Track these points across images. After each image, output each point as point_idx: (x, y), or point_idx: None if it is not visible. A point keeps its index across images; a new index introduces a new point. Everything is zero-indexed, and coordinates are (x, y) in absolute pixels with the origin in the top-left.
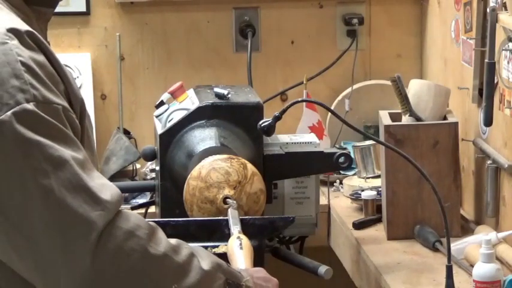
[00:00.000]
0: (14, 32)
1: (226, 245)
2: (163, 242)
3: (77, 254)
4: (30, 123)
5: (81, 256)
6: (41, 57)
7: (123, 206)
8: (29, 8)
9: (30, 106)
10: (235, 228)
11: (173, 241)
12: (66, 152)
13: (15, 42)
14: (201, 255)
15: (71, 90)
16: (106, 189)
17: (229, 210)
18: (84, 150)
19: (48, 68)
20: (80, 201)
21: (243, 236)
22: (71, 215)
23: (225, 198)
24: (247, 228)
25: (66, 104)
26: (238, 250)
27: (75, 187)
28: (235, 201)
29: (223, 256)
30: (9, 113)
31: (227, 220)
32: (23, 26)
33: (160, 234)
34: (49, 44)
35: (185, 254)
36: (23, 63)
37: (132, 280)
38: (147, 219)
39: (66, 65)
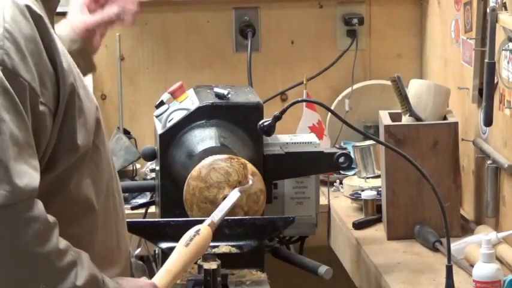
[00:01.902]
0: (12, 2)
1: (226, 245)
2: (53, 243)
3: None
4: None
5: None
6: (31, 32)
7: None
8: None
9: None
10: (210, 217)
11: (63, 244)
12: (7, 126)
13: (10, 11)
14: (83, 266)
15: (62, 74)
16: (25, 177)
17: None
18: (82, 131)
19: (35, 45)
20: None
21: (203, 231)
22: None
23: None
24: (247, 228)
25: (35, 86)
26: (182, 247)
27: None
28: (251, 180)
29: (223, 256)
30: None
31: (227, 220)
32: (24, 1)
33: (55, 233)
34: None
35: (67, 261)
36: (7, 30)
37: (2, 264)
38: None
39: None
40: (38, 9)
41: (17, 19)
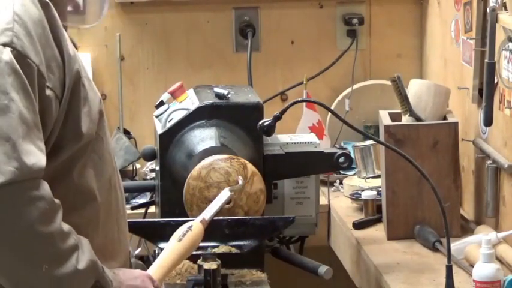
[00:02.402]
0: None
1: (226, 245)
2: (56, 224)
3: None
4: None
5: None
6: (39, 17)
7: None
8: None
9: (6, 50)
10: (202, 215)
11: (66, 227)
12: (17, 105)
13: None
14: (84, 250)
15: (68, 61)
16: (33, 156)
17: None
18: (86, 120)
19: (43, 29)
20: (0, 150)
21: (195, 228)
22: None
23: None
24: (247, 228)
25: (42, 69)
26: (175, 242)
27: (4, 137)
28: (241, 181)
29: (223, 256)
30: None
31: (227, 220)
32: None
33: (58, 215)
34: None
35: (69, 244)
36: (17, 14)
37: (6, 242)
38: (146, 219)
39: None
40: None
41: (26, 4)
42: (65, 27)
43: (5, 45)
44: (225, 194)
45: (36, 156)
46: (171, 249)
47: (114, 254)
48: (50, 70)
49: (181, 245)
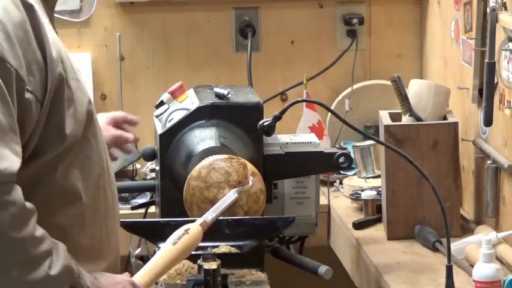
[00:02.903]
0: None
1: (226, 245)
2: (29, 229)
3: None
4: None
5: None
6: (21, 20)
7: (122, 207)
8: None
9: None
10: (203, 216)
11: (39, 232)
12: None
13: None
14: (59, 256)
15: (50, 64)
16: (6, 160)
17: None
18: (71, 122)
19: (24, 32)
20: None
21: (193, 231)
22: None
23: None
24: (247, 228)
25: (22, 73)
26: (169, 245)
27: None
28: (252, 180)
29: (223, 256)
30: None
31: (227, 220)
32: None
33: (33, 220)
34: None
35: (42, 250)
36: None
37: None
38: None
39: None
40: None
41: (7, 7)
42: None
43: None
44: (231, 196)
45: (9, 160)
46: (163, 252)
47: (102, 254)
48: (30, 73)
49: (175, 249)
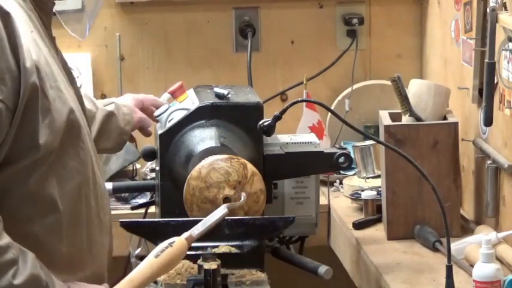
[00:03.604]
0: None
1: (226, 245)
2: None
3: None
4: None
5: None
6: None
7: (122, 207)
8: None
9: None
10: (190, 230)
11: (4, 242)
12: None
13: None
14: (26, 265)
15: (23, 72)
16: None
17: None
18: (46, 132)
19: None
20: None
21: (177, 244)
22: None
23: (225, 198)
24: (247, 228)
25: None
26: (151, 257)
27: None
28: (233, 204)
29: (223, 256)
30: None
31: (227, 220)
32: None
33: None
34: (54, 38)
35: (6, 259)
36: None
37: None
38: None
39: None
40: (24, 10)
41: None
42: (51, 35)
43: None
44: (220, 211)
45: None
46: (144, 265)
47: (82, 265)
48: (2, 82)
49: (157, 262)
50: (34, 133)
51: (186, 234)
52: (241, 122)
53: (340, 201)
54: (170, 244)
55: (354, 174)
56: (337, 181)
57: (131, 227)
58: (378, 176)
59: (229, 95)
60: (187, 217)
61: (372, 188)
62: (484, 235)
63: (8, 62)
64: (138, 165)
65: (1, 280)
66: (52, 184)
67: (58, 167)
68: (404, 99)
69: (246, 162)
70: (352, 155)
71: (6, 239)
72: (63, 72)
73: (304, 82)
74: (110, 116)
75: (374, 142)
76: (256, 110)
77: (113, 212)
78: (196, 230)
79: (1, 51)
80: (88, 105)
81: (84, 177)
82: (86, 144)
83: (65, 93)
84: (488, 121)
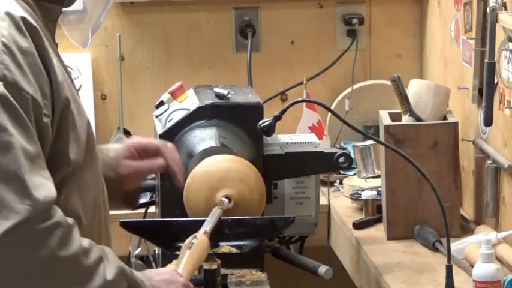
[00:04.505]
0: (8, 14)
1: (226, 245)
2: (76, 243)
3: None
4: None
5: None
6: (27, 45)
7: None
8: (37, 3)
9: None
10: (203, 228)
11: (86, 242)
12: (17, 140)
13: (5, 24)
14: (109, 260)
15: (56, 86)
16: (43, 189)
17: (214, 208)
18: (74, 146)
19: (32, 58)
20: (10, 189)
21: (201, 237)
22: None
23: (225, 198)
24: (247, 228)
25: (38, 98)
26: (187, 249)
27: (11, 175)
28: (228, 201)
29: (223, 256)
30: None
31: (227, 220)
32: (20, 12)
33: (75, 233)
34: (56, 45)
35: (94, 258)
36: (5, 44)
37: (33, 277)
38: (146, 219)
39: (68, 66)
40: (35, 20)
41: (13, 33)
42: (56, 44)
43: None
44: (216, 212)
45: (45, 187)
46: (186, 256)
47: None
48: (44, 97)
49: (193, 252)
50: (66, 148)
51: (201, 231)
52: (241, 122)
53: (340, 201)
54: (194, 237)
55: (354, 174)
56: (337, 181)
57: (131, 227)
58: (378, 176)
59: (229, 95)
60: (187, 217)
61: (372, 188)
62: (484, 235)
63: (45, 77)
64: None
65: (96, 279)
66: (76, 198)
67: (79, 181)
68: (404, 99)
69: (246, 162)
70: (352, 155)
71: (86, 240)
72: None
73: (304, 82)
74: None
75: (374, 142)
76: (256, 110)
77: (113, 212)
78: (206, 226)
79: (37, 67)
80: None
81: (97, 189)
82: (97, 154)
83: (81, 105)
84: (488, 121)
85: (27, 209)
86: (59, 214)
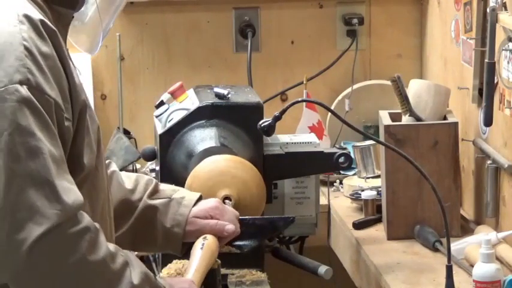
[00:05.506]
0: (27, 17)
1: (226, 245)
2: (104, 248)
3: (17, 242)
4: (19, 105)
5: (19, 246)
6: (48, 48)
7: None
8: (50, 7)
9: (23, 89)
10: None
11: (111, 247)
12: (45, 144)
13: (25, 27)
14: (133, 265)
15: (74, 90)
16: (71, 193)
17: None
18: (88, 151)
19: (53, 61)
20: (41, 195)
21: (210, 237)
22: (28, 205)
23: (225, 198)
24: (247, 228)
25: (60, 101)
26: (199, 250)
27: (41, 180)
28: (231, 202)
29: (223, 256)
30: (1, 89)
31: None
32: (38, 15)
33: (102, 238)
34: (67, 50)
35: (120, 262)
36: (26, 48)
37: (64, 282)
38: None
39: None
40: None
41: (33, 36)
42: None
43: (21, 83)
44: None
45: (72, 192)
46: (198, 256)
47: None
48: (65, 100)
49: (205, 252)
50: (80, 153)
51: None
52: (241, 122)
53: (340, 201)
54: (204, 238)
55: (354, 174)
56: (337, 181)
57: None
58: (378, 176)
59: (229, 95)
60: None
61: (372, 188)
62: (484, 235)
63: (64, 80)
64: (138, 166)
65: (123, 283)
66: (87, 205)
67: (90, 187)
68: (404, 99)
69: (246, 162)
70: (352, 155)
71: (111, 244)
72: None
73: (304, 82)
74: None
75: (374, 142)
76: (256, 110)
77: None
78: None
79: (58, 70)
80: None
81: (105, 195)
82: (104, 159)
83: (93, 110)
84: (488, 121)
85: (58, 214)
86: (87, 219)
